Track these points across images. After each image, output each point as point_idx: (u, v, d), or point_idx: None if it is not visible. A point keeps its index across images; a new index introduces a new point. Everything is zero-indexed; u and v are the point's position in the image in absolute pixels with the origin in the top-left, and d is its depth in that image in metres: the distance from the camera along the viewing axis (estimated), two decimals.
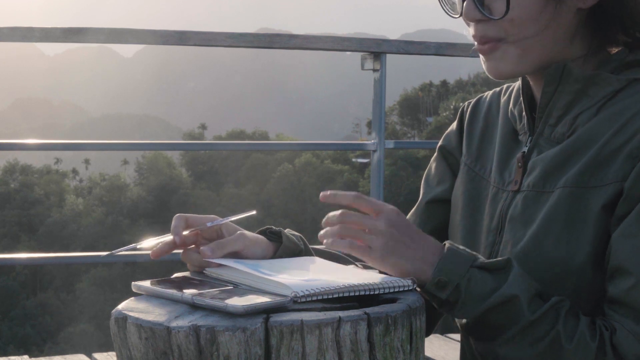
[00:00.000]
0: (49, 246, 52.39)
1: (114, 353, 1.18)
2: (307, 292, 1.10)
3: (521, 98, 1.45)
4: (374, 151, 3.97)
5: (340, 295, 1.13)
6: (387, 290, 1.16)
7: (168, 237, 1.32)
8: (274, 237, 1.41)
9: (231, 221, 1.38)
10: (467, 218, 1.49)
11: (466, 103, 1.64)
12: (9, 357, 3.19)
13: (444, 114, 65.63)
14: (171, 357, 1.03)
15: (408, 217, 1.63)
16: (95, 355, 3.27)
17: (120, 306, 1.12)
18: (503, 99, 1.54)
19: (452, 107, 64.91)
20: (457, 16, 1.37)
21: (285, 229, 1.44)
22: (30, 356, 3.24)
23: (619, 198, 1.26)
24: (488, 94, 1.61)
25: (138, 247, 1.34)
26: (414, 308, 1.11)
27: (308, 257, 1.37)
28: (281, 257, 1.36)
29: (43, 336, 49.57)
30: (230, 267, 1.25)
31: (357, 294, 1.14)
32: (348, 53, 4.17)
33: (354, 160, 58.72)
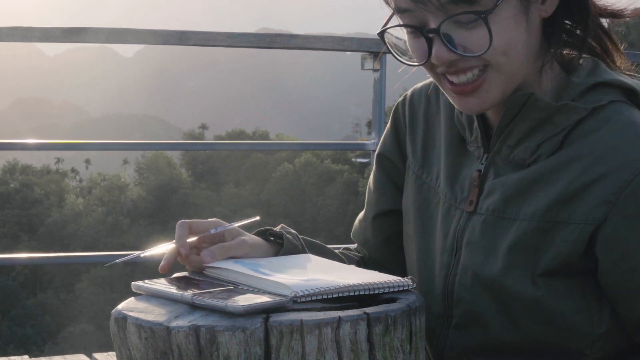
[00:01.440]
0: (49, 246, 52.40)
1: (114, 353, 1.18)
2: (306, 292, 1.10)
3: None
4: (374, 151, 3.96)
5: (340, 295, 1.13)
6: (386, 290, 1.16)
7: (171, 245, 1.30)
8: (274, 238, 1.41)
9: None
10: (419, 231, 1.44)
11: (400, 101, 1.55)
12: (9, 357, 3.19)
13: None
14: (171, 357, 1.03)
15: (355, 225, 1.61)
16: (96, 355, 3.27)
17: (120, 306, 1.12)
18: (444, 98, 1.44)
19: None
20: (420, 63, 1.27)
21: (279, 225, 1.44)
22: (31, 356, 3.24)
23: (589, 241, 1.23)
24: (422, 87, 1.52)
25: (142, 255, 1.34)
26: (414, 308, 1.11)
27: (307, 256, 1.37)
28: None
29: (43, 336, 49.60)
30: (234, 265, 1.25)
31: (357, 293, 1.14)
32: (348, 53, 4.17)
33: (354, 160, 58.69)
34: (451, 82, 1.28)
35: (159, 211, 62.23)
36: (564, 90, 1.32)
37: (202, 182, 68.79)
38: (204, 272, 1.28)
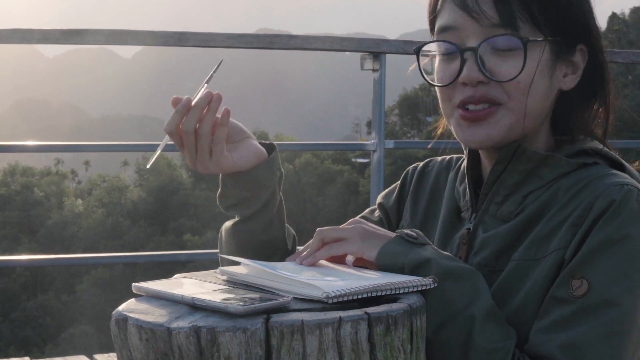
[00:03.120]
0: (50, 248, 52.43)
1: (114, 354, 1.18)
2: (339, 293, 1.10)
3: (465, 173, 1.47)
4: (374, 151, 3.97)
5: (369, 295, 1.12)
6: (410, 290, 1.16)
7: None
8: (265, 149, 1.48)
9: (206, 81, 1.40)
10: None
11: (411, 168, 1.63)
12: (10, 359, 3.19)
13: None
14: (172, 358, 1.03)
15: None
16: (96, 356, 3.27)
17: (120, 307, 1.12)
18: (451, 175, 1.55)
19: None
20: (444, 84, 1.36)
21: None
22: (31, 358, 3.24)
23: (560, 265, 1.26)
24: (436, 162, 1.61)
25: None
26: (415, 308, 1.11)
27: None
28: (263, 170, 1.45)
29: (44, 338, 49.61)
30: (255, 268, 1.25)
31: (384, 293, 1.14)
32: (347, 53, 4.17)
33: (354, 160, 58.71)
34: (465, 110, 1.35)
35: (159, 212, 62.24)
36: (553, 150, 1.40)
37: (202, 183, 68.78)
38: (217, 270, 1.28)
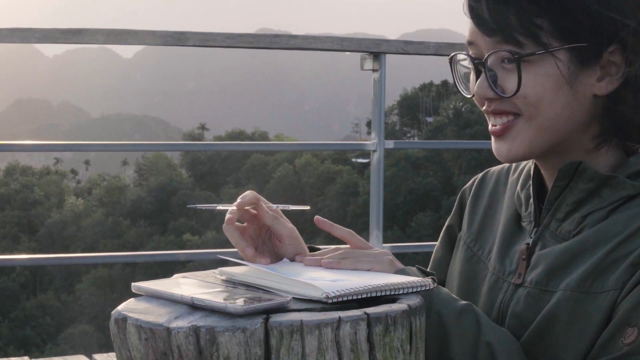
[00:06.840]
0: (49, 247, 52.49)
1: (114, 354, 1.18)
2: (338, 293, 1.10)
3: (531, 184, 1.41)
4: (374, 151, 3.97)
5: (368, 295, 1.13)
6: (410, 290, 1.17)
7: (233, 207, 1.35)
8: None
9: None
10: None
11: (467, 187, 1.60)
12: (10, 359, 3.19)
13: (444, 114, 65.63)
14: (171, 358, 1.03)
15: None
16: (96, 356, 3.27)
17: (120, 307, 1.12)
18: (512, 178, 1.50)
19: (452, 107, 64.90)
20: (470, 95, 1.35)
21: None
22: (31, 357, 3.25)
23: (613, 306, 1.22)
24: (496, 169, 1.57)
25: (218, 208, 1.37)
26: (414, 308, 1.11)
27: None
28: None
29: (43, 337, 49.64)
30: (254, 268, 1.25)
31: (383, 294, 1.14)
32: (347, 53, 4.17)
33: (353, 160, 58.74)
34: (492, 124, 1.34)
35: (159, 212, 62.28)
36: (618, 167, 1.33)
37: (202, 182, 68.88)
38: (216, 271, 1.28)
